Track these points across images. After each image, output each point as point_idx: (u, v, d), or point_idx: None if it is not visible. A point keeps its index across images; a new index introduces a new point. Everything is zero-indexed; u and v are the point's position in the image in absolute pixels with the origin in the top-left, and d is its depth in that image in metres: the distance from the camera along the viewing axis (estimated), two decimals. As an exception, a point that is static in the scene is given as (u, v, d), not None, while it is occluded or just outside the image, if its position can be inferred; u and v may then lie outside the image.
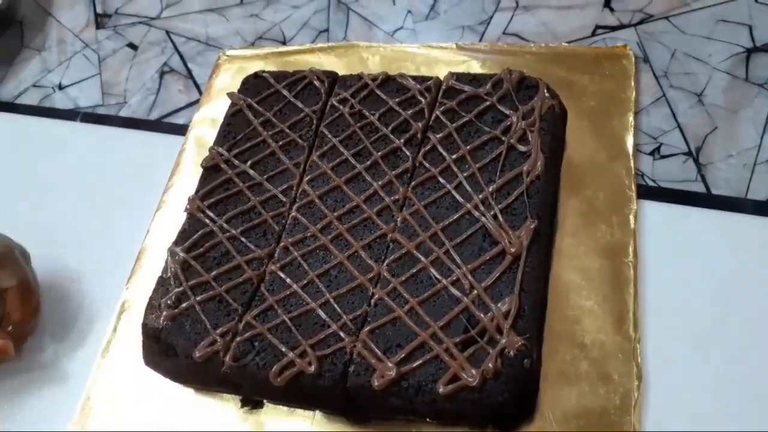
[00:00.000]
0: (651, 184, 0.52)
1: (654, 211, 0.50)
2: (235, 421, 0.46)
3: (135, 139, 0.63)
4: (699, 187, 0.51)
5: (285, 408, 0.46)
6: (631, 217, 0.49)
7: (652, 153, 0.53)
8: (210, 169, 0.53)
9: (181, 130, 0.62)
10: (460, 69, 0.58)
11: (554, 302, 0.46)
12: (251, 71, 0.61)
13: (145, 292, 0.51)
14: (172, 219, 0.55)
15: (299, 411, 0.45)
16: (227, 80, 0.64)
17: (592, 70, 0.57)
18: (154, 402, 0.48)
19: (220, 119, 0.59)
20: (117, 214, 0.58)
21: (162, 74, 0.68)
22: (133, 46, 0.71)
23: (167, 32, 0.71)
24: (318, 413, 0.45)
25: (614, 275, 0.47)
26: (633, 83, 0.56)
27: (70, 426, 0.49)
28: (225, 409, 0.47)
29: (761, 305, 0.45)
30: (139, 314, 0.50)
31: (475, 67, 0.59)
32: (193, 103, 0.65)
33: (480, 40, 0.63)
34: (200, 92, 0.65)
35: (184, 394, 0.48)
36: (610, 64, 0.57)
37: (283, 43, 0.67)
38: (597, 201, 0.50)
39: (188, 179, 0.57)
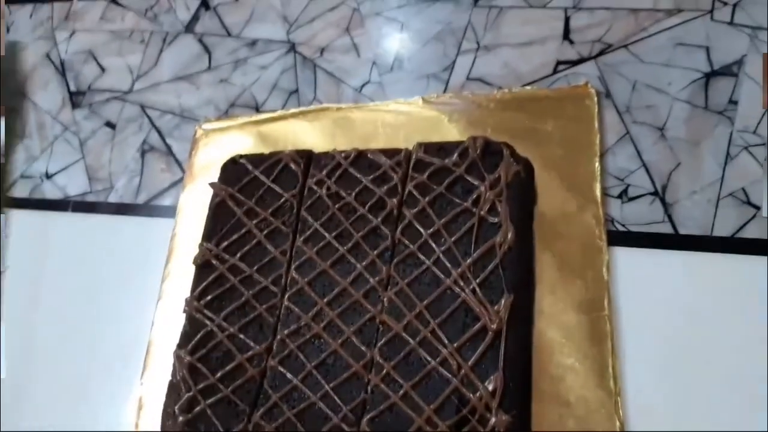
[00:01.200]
0: (621, 228, 0.54)
1: (625, 258, 0.52)
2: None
3: (127, 226, 0.66)
4: (667, 228, 0.53)
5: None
6: (604, 269, 0.51)
7: (620, 196, 0.55)
8: (202, 266, 0.55)
9: (170, 212, 0.65)
10: (428, 125, 0.60)
11: (539, 361, 0.49)
12: (229, 143, 0.63)
13: (160, 385, 0.55)
14: (173, 309, 0.58)
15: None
16: (207, 156, 0.66)
17: (556, 114, 0.59)
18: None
19: (204, 199, 0.61)
20: (120, 306, 0.61)
21: (143, 153, 0.70)
22: (110, 125, 0.73)
23: (142, 107, 0.73)
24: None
25: (592, 330, 0.50)
26: (597, 124, 0.58)
27: None
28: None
29: (733, 341, 0.48)
30: (156, 407, 0.54)
31: (443, 122, 0.61)
32: (177, 182, 0.67)
33: (445, 90, 0.64)
34: (182, 170, 0.67)
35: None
36: (573, 105, 0.59)
37: (256, 108, 0.69)
38: (570, 255, 0.52)
39: (183, 267, 0.60)
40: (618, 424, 0.47)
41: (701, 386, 0.47)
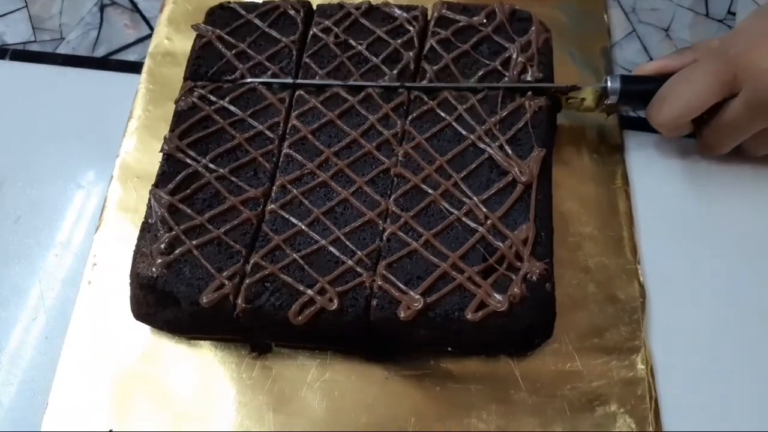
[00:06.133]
0: (632, 115, 0.53)
1: (635, 140, 0.52)
2: (239, 368, 0.43)
3: (80, 79, 0.57)
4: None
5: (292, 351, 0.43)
6: (618, 145, 0.51)
7: (629, 85, 0.55)
8: (184, 107, 0.48)
9: (135, 67, 0.56)
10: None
11: (556, 229, 0.47)
12: (207, 6, 0.56)
13: (115, 246, 0.47)
14: (136, 161, 0.51)
15: (308, 353, 0.43)
16: (181, 14, 0.59)
17: (564, 5, 0.58)
18: (150, 354, 0.44)
19: (180, 55, 0.54)
20: (74, 167, 0.52)
21: (102, 7, 0.61)
22: (61, -23, 0.63)
23: (100, -40, 0.64)
24: (330, 354, 0.43)
25: (609, 202, 0.48)
26: (606, 17, 0.57)
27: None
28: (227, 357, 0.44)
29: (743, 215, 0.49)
30: (111, 264, 0.46)
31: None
32: (145, 38, 0.59)
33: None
34: (151, 27, 0.59)
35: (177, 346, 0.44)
36: (582, -1, 0.58)
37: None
38: (585, 130, 0.51)
39: (151, 122, 0.53)
40: (638, 288, 0.45)
41: (713, 257, 0.47)
